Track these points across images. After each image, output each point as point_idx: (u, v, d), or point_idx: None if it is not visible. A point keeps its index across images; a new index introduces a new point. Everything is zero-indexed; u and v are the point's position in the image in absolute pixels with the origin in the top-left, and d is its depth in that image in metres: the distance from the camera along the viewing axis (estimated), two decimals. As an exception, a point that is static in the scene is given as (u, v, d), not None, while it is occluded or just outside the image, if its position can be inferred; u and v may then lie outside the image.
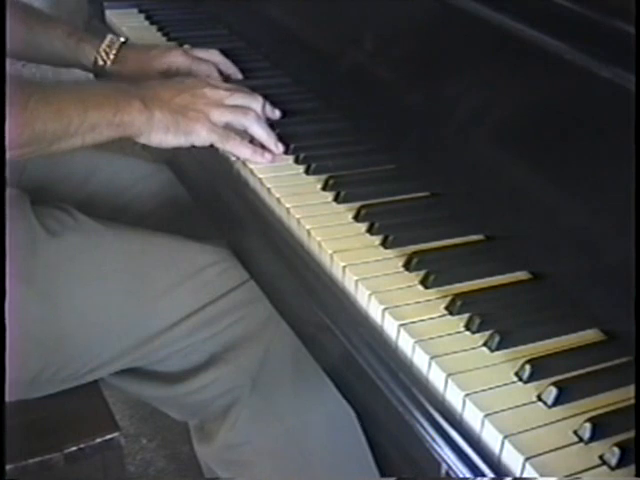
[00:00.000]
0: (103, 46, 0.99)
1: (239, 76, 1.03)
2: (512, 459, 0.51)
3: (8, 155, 0.69)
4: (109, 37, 1.01)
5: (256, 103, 0.87)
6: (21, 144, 0.72)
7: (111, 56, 0.99)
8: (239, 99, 0.85)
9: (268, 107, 0.89)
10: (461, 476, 0.53)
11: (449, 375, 0.56)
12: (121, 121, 0.78)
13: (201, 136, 0.82)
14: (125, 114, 0.78)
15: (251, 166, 0.82)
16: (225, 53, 1.07)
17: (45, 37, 1.00)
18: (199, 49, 1.03)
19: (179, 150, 0.83)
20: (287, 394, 0.84)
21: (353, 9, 0.91)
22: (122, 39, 1.01)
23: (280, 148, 0.85)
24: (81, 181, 1.02)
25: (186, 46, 1.07)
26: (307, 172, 0.82)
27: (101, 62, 0.99)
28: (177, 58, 0.99)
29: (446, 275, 0.66)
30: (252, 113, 0.84)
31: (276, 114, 0.90)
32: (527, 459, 0.50)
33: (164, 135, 0.80)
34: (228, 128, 0.83)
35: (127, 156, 1.09)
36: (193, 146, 0.82)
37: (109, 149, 0.98)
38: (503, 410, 0.54)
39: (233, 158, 0.84)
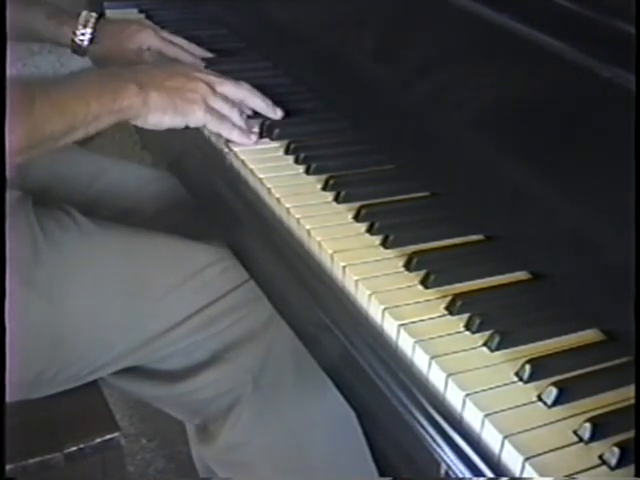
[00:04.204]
0: (79, 26, 1.02)
1: (208, 55, 1.06)
2: (512, 459, 0.51)
3: (18, 159, 0.69)
4: (83, 15, 1.03)
5: (243, 90, 0.88)
6: (30, 147, 0.73)
7: (87, 35, 1.02)
8: (227, 86, 0.87)
9: (256, 92, 0.90)
10: (461, 476, 0.53)
11: (449, 375, 0.56)
12: (120, 107, 0.79)
13: (197, 117, 0.83)
14: (124, 99, 0.79)
15: (251, 166, 0.82)
16: (225, 53, 1.07)
17: (25, 17, 1.02)
18: (166, 32, 1.07)
19: (180, 152, 0.83)
20: (288, 394, 0.84)
21: (353, 9, 0.91)
22: (94, 15, 1.03)
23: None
24: (85, 185, 1.02)
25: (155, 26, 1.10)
26: (307, 172, 0.82)
27: (79, 42, 1.02)
28: (148, 38, 1.03)
29: (446, 275, 0.66)
30: (237, 109, 0.86)
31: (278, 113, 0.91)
32: (527, 459, 0.50)
33: (161, 116, 0.82)
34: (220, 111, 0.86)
35: (131, 161, 1.10)
36: (187, 127, 0.84)
37: (112, 154, 0.98)
38: (503, 410, 0.54)
39: (226, 150, 0.85)
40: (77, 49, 1.03)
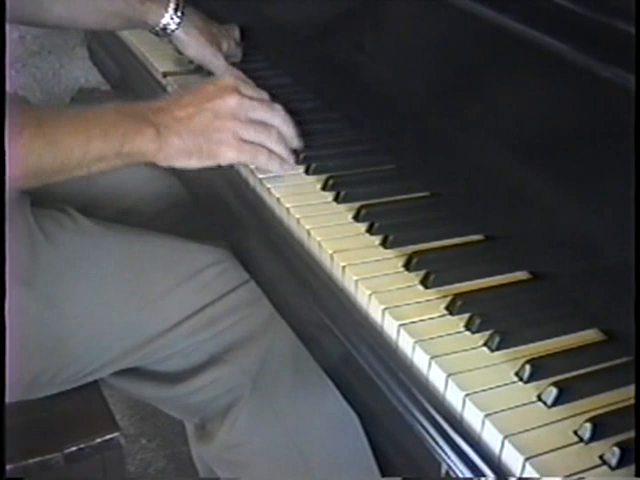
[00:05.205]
0: (169, 8, 0.98)
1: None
2: (512, 459, 0.51)
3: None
4: None
5: (277, 117, 0.82)
6: (13, 178, 0.66)
7: (176, 19, 0.98)
8: (261, 112, 0.81)
9: (289, 119, 0.84)
10: (461, 476, 0.53)
11: (449, 375, 0.56)
12: (130, 151, 0.74)
13: (227, 157, 0.79)
14: (134, 144, 0.74)
15: (251, 166, 0.82)
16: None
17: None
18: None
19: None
20: (287, 394, 0.83)
21: (353, 9, 0.91)
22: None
23: (291, 160, 0.83)
24: (85, 184, 1.02)
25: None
26: (307, 172, 0.82)
27: (165, 24, 0.98)
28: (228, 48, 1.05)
29: (446, 275, 0.66)
30: (274, 133, 0.81)
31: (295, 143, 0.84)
32: (527, 459, 0.50)
33: (187, 160, 0.77)
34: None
35: None
36: (219, 166, 0.80)
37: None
38: (503, 410, 0.54)
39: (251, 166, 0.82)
40: (160, 31, 0.99)
